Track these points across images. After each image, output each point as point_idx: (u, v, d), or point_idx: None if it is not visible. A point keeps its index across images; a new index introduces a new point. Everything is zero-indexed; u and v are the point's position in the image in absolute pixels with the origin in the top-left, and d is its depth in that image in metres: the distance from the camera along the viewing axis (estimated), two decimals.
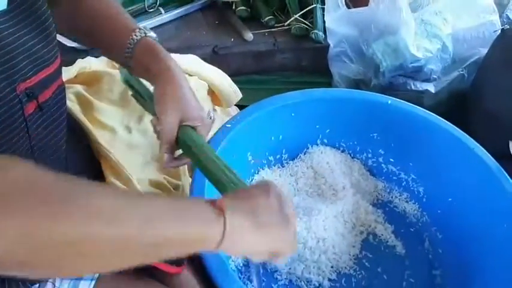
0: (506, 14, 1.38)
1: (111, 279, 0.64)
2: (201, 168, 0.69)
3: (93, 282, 0.63)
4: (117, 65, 1.03)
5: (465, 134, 0.95)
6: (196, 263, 0.71)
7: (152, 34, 0.73)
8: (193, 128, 0.71)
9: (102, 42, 0.76)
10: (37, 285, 0.63)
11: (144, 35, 0.72)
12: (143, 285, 0.65)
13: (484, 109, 1.21)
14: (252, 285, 0.87)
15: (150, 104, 0.75)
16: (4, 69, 0.52)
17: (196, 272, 0.72)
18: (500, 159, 0.92)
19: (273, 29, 1.39)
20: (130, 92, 0.83)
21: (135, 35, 0.72)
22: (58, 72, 0.62)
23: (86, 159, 0.83)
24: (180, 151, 0.74)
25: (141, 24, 0.75)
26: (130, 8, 1.33)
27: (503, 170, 0.89)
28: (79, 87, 0.95)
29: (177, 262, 0.67)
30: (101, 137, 0.86)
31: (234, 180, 0.64)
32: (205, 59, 1.15)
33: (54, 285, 0.63)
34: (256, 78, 1.40)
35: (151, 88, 0.76)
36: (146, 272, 0.66)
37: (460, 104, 1.30)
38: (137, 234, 0.41)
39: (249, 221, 0.50)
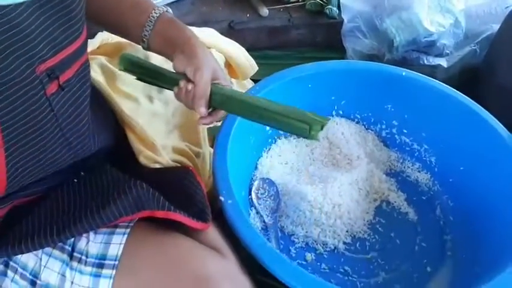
0: None
1: (141, 234, 0.68)
2: (243, 114, 0.74)
3: (125, 236, 0.67)
4: None
5: (477, 104, 0.98)
6: (221, 220, 0.75)
7: (170, 10, 0.76)
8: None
9: (121, 21, 0.78)
10: (72, 239, 0.67)
11: (162, 11, 0.75)
12: (171, 238, 0.69)
13: (495, 83, 1.23)
14: None
15: (164, 77, 0.78)
16: (22, 52, 0.53)
17: (220, 228, 0.75)
18: (511, 130, 0.95)
19: (288, 5, 1.41)
20: (134, 77, 0.84)
21: (155, 12, 0.75)
22: (80, 52, 0.64)
23: (111, 129, 0.86)
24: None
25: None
26: None
27: None
28: (102, 59, 0.98)
29: (203, 218, 0.71)
30: (125, 106, 0.89)
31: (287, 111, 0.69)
32: (221, 34, 1.17)
33: (88, 240, 0.67)
34: (270, 53, 1.42)
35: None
36: (174, 226, 0.69)
37: (472, 79, 1.32)
38: None
39: None
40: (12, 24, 0.51)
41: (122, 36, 0.83)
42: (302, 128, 0.69)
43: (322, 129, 0.70)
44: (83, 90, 0.67)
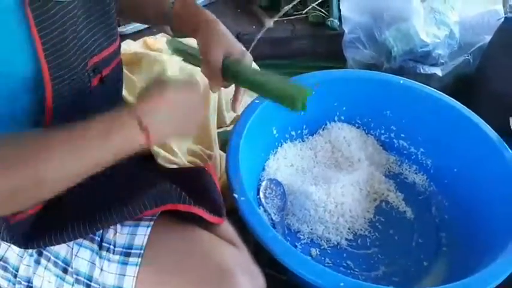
0: (510, 4, 1.47)
1: (163, 226, 0.74)
2: (254, 88, 0.77)
3: (149, 228, 0.73)
4: (153, 47, 1.14)
5: (469, 110, 1.05)
6: (235, 215, 0.82)
7: None
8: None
9: (148, 9, 0.84)
10: (101, 231, 0.74)
11: None
12: (191, 231, 0.75)
13: (487, 91, 1.31)
14: None
15: (197, 59, 0.83)
16: (79, 44, 0.61)
17: (235, 222, 0.82)
18: (501, 135, 1.02)
19: (291, 17, 1.49)
20: (181, 58, 0.89)
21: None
22: (117, 52, 0.72)
23: None
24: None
25: None
26: None
27: (503, 141, 0.98)
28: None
29: (219, 214, 0.77)
30: None
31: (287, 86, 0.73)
32: None
33: (116, 231, 0.73)
34: (275, 63, 1.49)
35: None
36: (192, 220, 0.76)
37: (465, 87, 1.39)
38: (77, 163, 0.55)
39: (165, 121, 0.61)
40: (67, 18, 0.58)
41: (152, 25, 0.89)
42: (287, 101, 0.73)
43: (304, 99, 0.73)
44: (118, 86, 0.75)
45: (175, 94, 0.63)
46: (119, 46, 0.74)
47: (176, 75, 1.08)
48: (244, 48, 0.79)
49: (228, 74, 0.76)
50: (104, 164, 0.58)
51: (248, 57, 0.79)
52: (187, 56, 0.88)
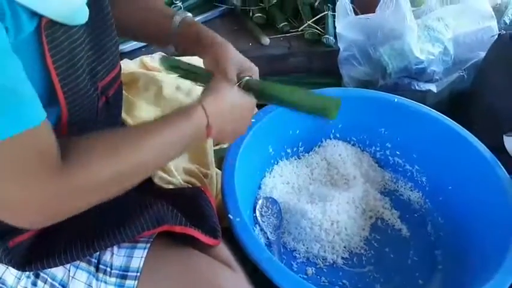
0: (504, 20, 1.49)
1: (159, 248, 0.75)
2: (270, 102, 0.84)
3: (146, 250, 0.74)
4: (150, 66, 1.15)
5: (463, 128, 1.06)
6: (230, 236, 0.82)
7: (190, 15, 0.84)
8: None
9: (149, 29, 0.86)
10: (98, 253, 0.74)
11: (184, 15, 0.83)
12: (187, 252, 0.76)
13: (482, 107, 1.32)
14: None
15: (200, 74, 0.83)
16: (89, 72, 0.64)
17: (230, 243, 0.83)
18: (495, 151, 1.03)
19: (287, 34, 1.51)
20: (177, 75, 0.89)
21: (178, 15, 0.82)
22: (119, 73, 0.74)
23: None
24: None
25: None
26: None
27: (497, 159, 0.99)
28: None
29: (215, 235, 0.78)
30: None
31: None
32: None
33: (113, 253, 0.74)
34: (271, 79, 1.50)
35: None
36: (188, 242, 0.77)
37: (460, 103, 1.40)
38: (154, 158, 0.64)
39: (226, 121, 0.72)
40: (76, 45, 0.60)
41: (153, 44, 0.91)
42: (321, 112, 0.78)
43: (337, 108, 0.79)
44: (120, 105, 0.78)
45: (236, 99, 0.74)
46: (120, 67, 0.76)
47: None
48: (253, 65, 0.82)
49: (252, 92, 0.79)
50: (180, 151, 0.70)
51: (256, 72, 0.83)
52: (184, 71, 0.88)
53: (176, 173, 0.94)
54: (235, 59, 0.78)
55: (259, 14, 1.54)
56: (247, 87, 0.78)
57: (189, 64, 0.87)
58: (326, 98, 0.79)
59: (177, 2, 1.48)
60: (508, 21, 1.49)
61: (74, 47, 0.60)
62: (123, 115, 0.95)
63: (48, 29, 0.55)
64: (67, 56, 0.59)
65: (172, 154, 0.68)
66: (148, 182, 0.89)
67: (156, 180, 0.89)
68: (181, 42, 0.83)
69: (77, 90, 0.61)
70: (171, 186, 0.90)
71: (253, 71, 0.81)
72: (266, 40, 1.47)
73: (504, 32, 1.33)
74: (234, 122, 0.75)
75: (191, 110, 0.67)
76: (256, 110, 0.83)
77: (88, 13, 0.61)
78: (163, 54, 1.19)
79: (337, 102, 0.78)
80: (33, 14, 0.53)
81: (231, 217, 0.83)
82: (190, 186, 0.93)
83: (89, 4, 0.61)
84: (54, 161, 0.54)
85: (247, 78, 0.79)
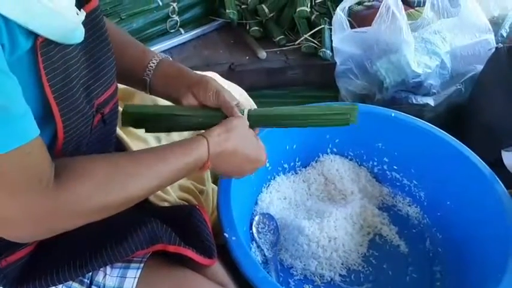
0: (501, 33, 1.49)
1: (153, 268, 0.74)
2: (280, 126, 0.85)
3: (139, 271, 0.73)
4: None
5: (461, 143, 1.05)
6: (226, 256, 0.81)
7: (169, 57, 0.85)
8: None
9: (125, 66, 0.83)
10: (90, 273, 0.73)
11: (162, 57, 0.84)
12: (181, 273, 0.75)
13: (479, 121, 1.32)
14: None
15: (175, 118, 0.82)
16: (85, 90, 0.63)
17: (225, 263, 0.82)
18: (493, 166, 1.02)
19: (284, 48, 1.51)
20: (143, 130, 0.87)
21: (155, 58, 0.83)
22: (116, 91, 0.73)
23: None
24: None
25: (163, 44, 0.86)
26: (153, 29, 1.44)
27: (495, 174, 0.99)
28: None
29: (210, 254, 0.77)
30: (136, 146, 0.96)
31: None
32: (222, 76, 1.25)
33: (105, 273, 0.73)
34: (268, 92, 1.51)
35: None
36: (183, 262, 0.76)
37: (458, 116, 1.40)
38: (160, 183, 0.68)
39: (224, 163, 0.75)
40: (74, 62, 0.60)
41: (129, 85, 0.91)
42: (342, 119, 0.81)
43: (356, 111, 0.81)
44: (115, 123, 0.77)
45: (242, 148, 0.76)
46: (117, 85, 0.75)
47: None
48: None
49: (257, 121, 0.81)
50: (175, 181, 0.72)
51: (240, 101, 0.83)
52: (152, 122, 0.84)
53: (171, 190, 0.93)
54: (231, 93, 0.80)
55: (256, 28, 1.54)
56: (251, 118, 0.79)
57: (164, 107, 0.86)
58: (340, 106, 0.81)
59: (174, 16, 1.48)
60: (505, 34, 1.49)
61: (70, 65, 0.59)
62: (118, 131, 0.95)
63: (43, 48, 0.55)
64: (62, 74, 0.58)
65: (163, 185, 0.72)
66: (142, 200, 0.88)
67: (151, 198, 0.88)
68: (158, 82, 0.83)
69: (73, 107, 0.61)
70: (166, 204, 0.89)
71: (247, 103, 0.83)
72: (263, 53, 1.47)
73: (501, 45, 1.34)
74: (232, 167, 0.78)
75: (194, 145, 0.71)
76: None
77: (84, 32, 0.60)
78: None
79: (353, 106, 0.81)
80: (30, 33, 0.53)
81: (227, 235, 0.82)
82: (185, 204, 0.92)
83: (85, 23, 0.61)
84: (45, 178, 0.55)
85: (247, 109, 0.80)
